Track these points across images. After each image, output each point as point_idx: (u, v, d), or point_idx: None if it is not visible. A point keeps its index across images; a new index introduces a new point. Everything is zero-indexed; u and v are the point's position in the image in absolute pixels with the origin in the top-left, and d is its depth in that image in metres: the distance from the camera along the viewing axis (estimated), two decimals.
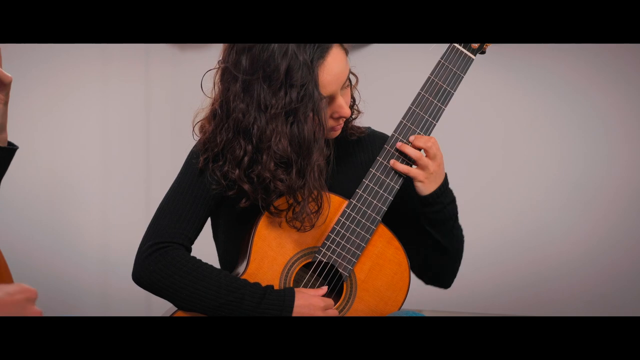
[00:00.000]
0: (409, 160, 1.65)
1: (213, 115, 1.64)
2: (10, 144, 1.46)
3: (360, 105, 1.75)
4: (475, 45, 1.65)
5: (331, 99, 1.60)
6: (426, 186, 1.64)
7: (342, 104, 1.61)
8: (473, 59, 1.65)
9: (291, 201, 1.61)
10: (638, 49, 2.91)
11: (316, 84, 1.55)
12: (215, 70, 1.64)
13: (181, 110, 3.27)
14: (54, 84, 3.18)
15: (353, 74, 1.69)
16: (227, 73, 1.59)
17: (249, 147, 1.59)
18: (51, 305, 3.13)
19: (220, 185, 1.63)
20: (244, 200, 1.62)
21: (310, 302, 1.60)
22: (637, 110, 2.99)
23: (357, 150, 1.76)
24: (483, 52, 1.68)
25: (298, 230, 1.62)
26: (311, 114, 1.55)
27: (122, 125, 3.24)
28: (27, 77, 3.11)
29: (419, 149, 1.64)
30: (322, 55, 1.55)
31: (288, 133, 1.56)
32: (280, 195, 1.61)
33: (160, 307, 1.76)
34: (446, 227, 1.70)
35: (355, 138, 1.75)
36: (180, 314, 1.63)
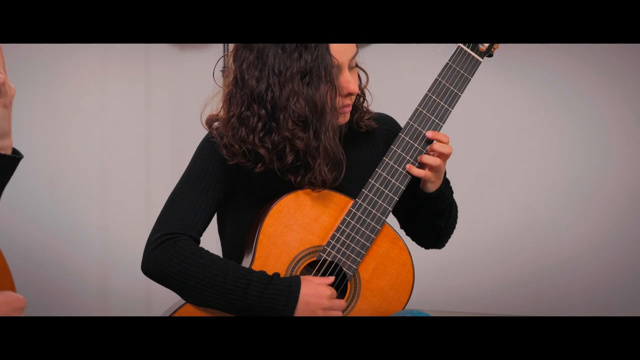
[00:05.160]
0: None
1: (228, 98, 1.66)
2: (15, 152, 1.43)
3: (372, 105, 1.77)
4: (483, 48, 1.66)
5: (339, 71, 1.62)
6: (435, 185, 1.68)
7: (350, 79, 1.63)
8: (480, 62, 1.66)
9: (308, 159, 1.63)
10: (638, 49, 2.91)
11: (327, 49, 1.58)
12: (225, 65, 1.66)
13: (181, 110, 3.28)
14: (54, 83, 3.18)
15: (363, 70, 1.72)
16: (240, 49, 1.63)
17: (263, 112, 1.61)
18: (51, 305, 3.13)
19: (236, 156, 1.64)
20: (259, 165, 1.64)
21: (317, 290, 1.60)
22: (637, 110, 3.00)
23: (364, 143, 1.76)
24: (490, 55, 1.68)
25: (313, 189, 1.64)
26: (324, 76, 1.58)
27: (122, 125, 3.24)
28: (27, 77, 3.11)
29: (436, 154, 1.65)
30: None
31: (305, 93, 1.58)
32: (295, 160, 1.63)
33: (160, 307, 1.76)
34: (446, 212, 1.74)
35: (363, 130, 1.76)
36: (179, 313, 1.63)
